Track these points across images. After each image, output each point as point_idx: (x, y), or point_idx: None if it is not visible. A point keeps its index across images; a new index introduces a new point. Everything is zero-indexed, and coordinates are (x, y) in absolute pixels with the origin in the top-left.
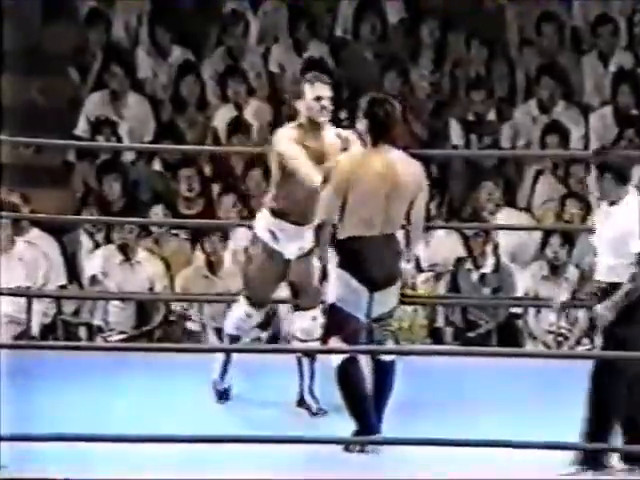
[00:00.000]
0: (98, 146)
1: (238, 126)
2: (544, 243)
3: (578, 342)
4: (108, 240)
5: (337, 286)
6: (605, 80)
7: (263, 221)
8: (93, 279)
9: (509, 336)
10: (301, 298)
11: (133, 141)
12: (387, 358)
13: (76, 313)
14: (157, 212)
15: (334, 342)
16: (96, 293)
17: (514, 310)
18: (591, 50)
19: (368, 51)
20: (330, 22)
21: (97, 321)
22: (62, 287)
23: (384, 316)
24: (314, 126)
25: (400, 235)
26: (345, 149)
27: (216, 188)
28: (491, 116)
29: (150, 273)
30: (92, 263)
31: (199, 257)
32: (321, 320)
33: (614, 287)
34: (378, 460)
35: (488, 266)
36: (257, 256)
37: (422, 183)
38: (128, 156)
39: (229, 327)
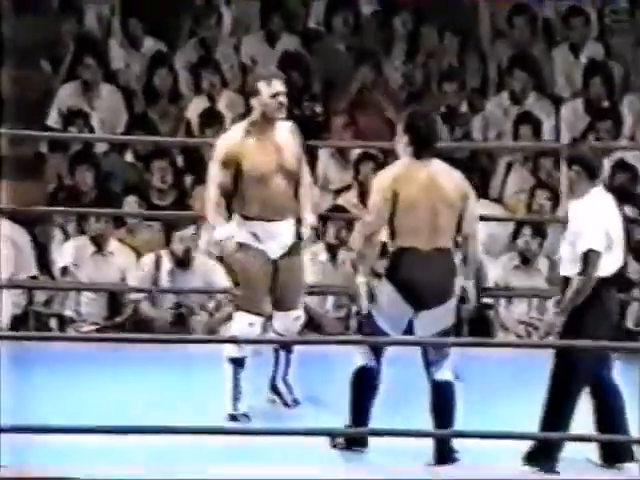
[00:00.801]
0: (73, 137)
1: (211, 117)
2: (515, 234)
3: (548, 332)
4: (81, 231)
5: (379, 297)
6: (576, 71)
7: (241, 226)
8: (64, 270)
9: (481, 326)
10: (285, 298)
11: (105, 132)
12: (441, 378)
13: (47, 304)
14: (131, 201)
15: (359, 352)
16: (67, 284)
17: (485, 300)
18: (562, 42)
19: (341, 43)
20: (304, 14)
21: (69, 312)
22: (33, 278)
23: (436, 336)
24: (268, 122)
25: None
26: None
27: (189, 179)
28: (463, 108)
29: (122, 264)
30: (64, 254)
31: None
32: (303, 320)
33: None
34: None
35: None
36: (244, 261)
37: (467, 193)
38: (101, 147)
39: (231, 349)
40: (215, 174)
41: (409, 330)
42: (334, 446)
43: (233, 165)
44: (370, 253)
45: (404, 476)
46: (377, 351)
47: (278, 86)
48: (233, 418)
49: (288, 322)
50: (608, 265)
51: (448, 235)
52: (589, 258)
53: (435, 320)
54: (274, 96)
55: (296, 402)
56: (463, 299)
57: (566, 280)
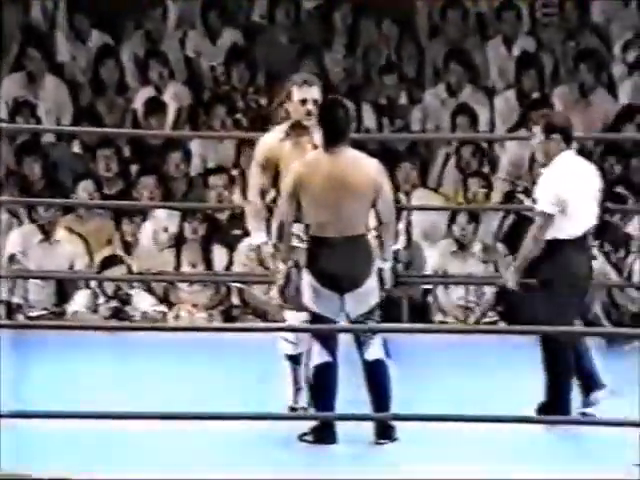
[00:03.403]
0: (23, 129)
1: (155, 106)
2: (451, 221)
3: (484, 315)
4: (31, 220)
5: (307, 289)
6: (509, 64)
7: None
8: (12, 258)
9: (420, 310)
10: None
11: (51, 123)
12: (370, 357)
13: None
14: (84, 188)
15: (314, 346)
16: (14, 272)
17: (425, 285)
18: (495, 35)
19: (284, 36)
20: (247, 7)
21: (17, 299)
22: None
23: (362, 316)
24: (302, 127)
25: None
26: None
27: (135, 169)
28: (402, 100)
29: (70, 252)
30: (10, 242)
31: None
32: None
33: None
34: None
35: (400, 243)
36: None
37: (379, 182)
38: (48, 138)
39: (286, 347)
40: (255, 176)
41: (344, 314)
42: (301, 439)
43: (272, 167)
44: (284, 242)
45: (405, 476)
46: (331, 346)
47: (307, 92)
48: (293, 411)
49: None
50: (567, 228)
51: (359, 223)
52: (539, 220)
53: (357, 301)
54: (302, 102)
55: None
56: (381, 282)
57: None
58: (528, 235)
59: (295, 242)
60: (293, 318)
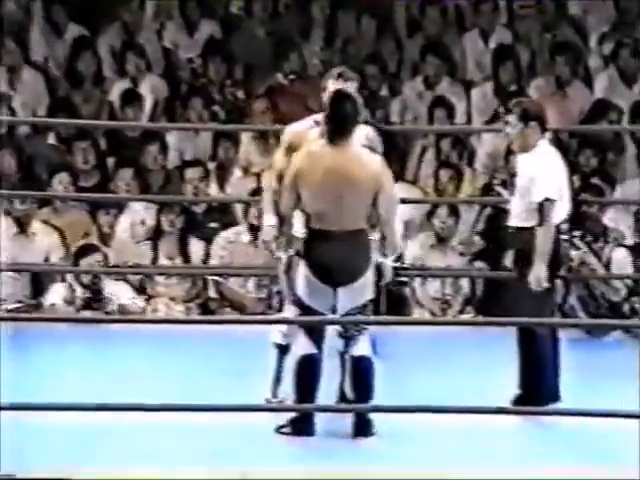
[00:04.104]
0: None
1: (131, 98)
2: (431, 214)
3: (462, 309)
4: (6, 213)
5: (301, 280)
6: (486, 57)
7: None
8: None
9: (396, 304)
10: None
11: (27, 115)
12: (356, 353)
13: None
14: (60, 180)
15: (300, 337)
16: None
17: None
18: (472, 28)
19: (261, 29)
20: (225, 0)
21: None
22: None
23: (353, 311)
24: None
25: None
26: (371, 148)
27: (111, 161)
28: (383, 91)
29: (45, 244)
30: None
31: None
32: None
33: (521, 230)
34: None
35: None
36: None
37: (381, 179)
38: (23, 130)
39: (276, 336)
40: (277, 160)
41: (334, 309)
42: (279, 431)
43: (295, 152)
44: (285, 230)
45: (407, 476)
46: (317, 338)
47: (341, 86)
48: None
49: None
50: (560, 213)
51: (358, 218)
52: (545, 207)
53: (351, 296)
54: None
55: None
56: (379, 276)
57: (515, 233)
58: (539, 229)
59: (297, 232)
60: (290, 309)
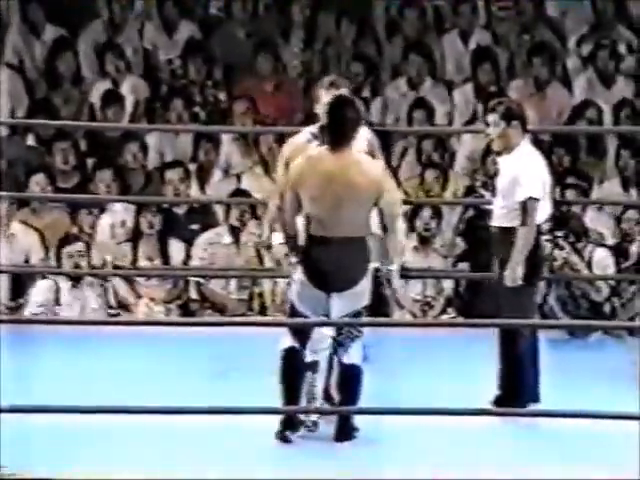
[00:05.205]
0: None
1: (112, 99)
2: (414, 216)
3: (443, 311)
4: None
5: (295, 285)
6: (465, 58)
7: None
8: None
9: (377, 305)
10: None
11: (5, 116)
12: (347, 361)
13: None
14: (37, 181)
15: (285, 336)
16: None
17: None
18: (452, 29)
19: (240, 30)
20: (204, 0)
21: None
22: None
23: (347, 317)
24: None
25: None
26: (372, 152)
27: (91, 162)
28: (365, 92)
29: (25, 245)
30: None
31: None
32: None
33: (505, 231)
34: None
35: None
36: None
37: (383, 185)
38: (2, 131)
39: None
40: (279, 176)
41: (327, 314)
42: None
43: None
44: (289, 233)
45: (407, 476)
46: (302, 338)
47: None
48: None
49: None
50: (542, 213)
51: (357, 225)
52: (529, 205)
53: (345, 303)
54: None
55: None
56: (378, 282)
57: (498, 234)
58: (522, 227)
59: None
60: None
